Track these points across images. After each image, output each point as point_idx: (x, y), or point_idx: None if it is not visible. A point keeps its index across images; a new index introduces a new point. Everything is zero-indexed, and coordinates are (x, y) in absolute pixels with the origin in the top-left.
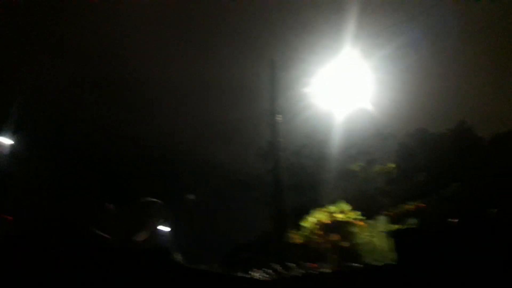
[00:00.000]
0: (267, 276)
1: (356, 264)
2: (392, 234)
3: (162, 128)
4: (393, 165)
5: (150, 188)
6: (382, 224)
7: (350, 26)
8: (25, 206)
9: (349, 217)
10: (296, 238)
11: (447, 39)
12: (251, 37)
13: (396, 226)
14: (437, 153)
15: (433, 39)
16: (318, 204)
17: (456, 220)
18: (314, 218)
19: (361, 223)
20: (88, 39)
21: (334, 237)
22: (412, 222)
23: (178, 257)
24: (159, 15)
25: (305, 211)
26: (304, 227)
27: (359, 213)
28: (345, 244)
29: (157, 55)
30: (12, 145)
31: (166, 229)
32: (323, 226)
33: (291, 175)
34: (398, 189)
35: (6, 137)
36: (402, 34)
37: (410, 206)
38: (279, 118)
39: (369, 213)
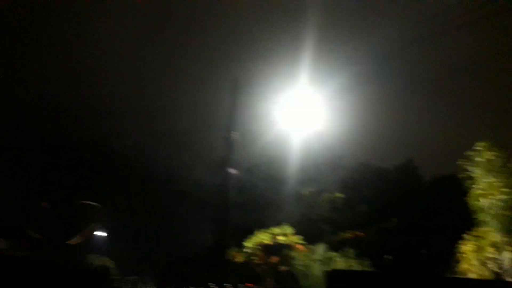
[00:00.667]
0: None
1: None
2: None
3: (114, 129)
4: (341, 195)
5: (91, 191)
6: (321, 250)
7: (307, 55)
8: None
9: (290, 240)
10: (236, 256)
11: (401, 79)
12: (216, 57)
13: (333, 254)
14: (380, 187)
15: (392, 75)
16: (263, 224)
17: (390, 258)
18: (257, 239)
19: (302, 247)
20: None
21: (274, 259)
22: (349, 252)
23: (111, 264)
24: (130, 27)
25: (249, 231)
26: (246, 247)
27: (301, 237)
28: (283, 267)
29: (120, 55)
30: None
31: (103, 234)
32: (264, 247)
33: (240, 192)
34: (340, 218)
35: None
36: (356, 66)
37: (348, 234)
38: (235, 134)
39: (311, 238)
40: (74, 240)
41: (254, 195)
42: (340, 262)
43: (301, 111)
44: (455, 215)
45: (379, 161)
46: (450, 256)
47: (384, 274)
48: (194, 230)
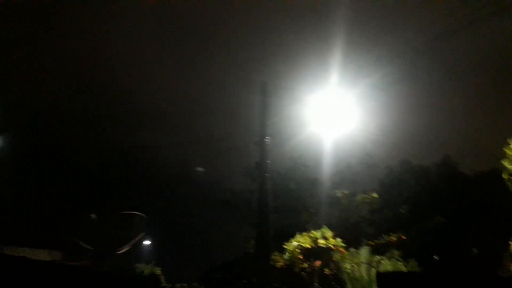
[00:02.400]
0: None
1: None
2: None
3: (150, 141)
4: (376, 196)
5: (134, 201)
6: (364, 254)
7: (337, 55)
8: (6, 211)
9: (331, 244)
10: (278, 261)
11: (435, 74)
12: (243, 61)
13: (378, 257)
14: (420, 186)
15: (420, 73)
16: (301, 228)
17: (437, 258)
18: (296, 242)
19: (343, 250)
20: (82, 45)
21: (317, 263)
22: (394, 254)
23: (158, 272)
24: (155, 33)
25: (288, 234)
26: (287, 250)
27: (340, 240)
28: (328, 271)
29: (150, 69)
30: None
31: (148, 242)
32: (305, 251)
33: (276, 197)
34: (380, 219)
35: None
36: (388, 64)
37: (392, 237)
38: (268, 140)
39: (351, 241)
40: (122, 250)
41: (290, 198)
42: (386, 265)
43: (333, 112)
44: (504, 211)
45: (415, 159)
46: (502, 254)
47: (436, 274)
48: (236, 236)
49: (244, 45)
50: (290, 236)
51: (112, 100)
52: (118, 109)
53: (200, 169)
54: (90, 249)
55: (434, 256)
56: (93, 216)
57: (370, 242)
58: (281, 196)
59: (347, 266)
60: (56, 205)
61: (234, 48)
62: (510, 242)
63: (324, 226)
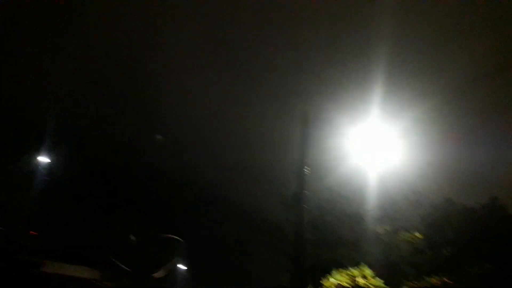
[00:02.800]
0: None
1: None
2: None
3: (191, 165)
4: (420, 235)
5: (172, 225)
6: None
7: (379, 87)
8: (53, 224)
9: (371, 284)
10: None
11: (483, 112)
12: (284, 93)
13: None
14: (466, 227)
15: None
16: (338, 264)
17: None
18: (335, 280)
19: None
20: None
21: None
22: None
23: None
24: (199, 60)
25: (323, 269)
26: (324, 287)
27: (381, 281)
28: None
29: (193, 95)
30: (49, 164)
31: (183, 267)
32: None
33: (313, 229)
34: (423, 261)
35: (42, 155)
36: (433, 97)
37: (435, 280)
38: (307, 170)
39: (390, 282)
40: (158, 273)
41: (327, 232)
42: None
43: (375, 145)
44: None
45: (459, 198)
46: None
47: None
48: (270, 266)
49: (285, 75)
50: (326, 271)
51: (156, 124)
52: (161, 134)
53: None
54: (127, 270)
55: None
56: (132, 237)
57: (411, 284)
58: (319, 229)
59: None
60: (99, 224)
61: (275, 77)
62: None
63: (362, 263)
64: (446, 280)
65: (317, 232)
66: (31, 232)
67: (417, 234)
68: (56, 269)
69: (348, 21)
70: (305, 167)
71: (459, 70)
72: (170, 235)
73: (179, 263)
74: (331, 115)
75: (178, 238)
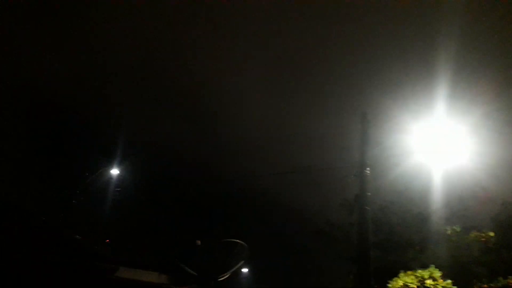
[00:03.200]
0: None
1: None
2: None
3: (249, 169)
4: (491, 234)
5: (233, 228)
6: None
7: (443, 83)
8: (123, 232)
9: (440, 286)
10: None
11: None
12: (343, 90)
13: None
14: None
15: None
16: (405, 266)
17: None
18: (402, 282)
19: None
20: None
21: None
22: None
23: None
24: (254, 60)
25: (389, 272)
26: None
27: (450, 282)
28: None
29: (250, 97)
30: (119, 175)
31: (246, 270)
32: None
33: (377, 231)
34: (496, 260)
35: (114, 167)
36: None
37: (509, 280)
38: (368, 171)
39: (461, 283)
40: (224, 277)
41: (393, 234)
42: None
43: (441, 142)
44: None
45: None
46: None
47: None
48: (332, 270)
49: (345, 72)
50: (393, 274)
51: (213, 129)
52: (221, 139)
53: (198, 242)
54: (194, 274)
55: None
56: (198, 242)
57: (483, 286)
58: (383, 231)
59: None
60: (166, 231)
61: (335, 76)
62: None
63: (431, 265)
64: None
65: (382, 234)
66: (106, 240)
67: (490, 233)
68: (129, 274)
69: (410, 14)
70: (366, 168)
71: None
72: (234, 240)
73: (243, 266)
74: (394, 111)
75: (242, 242)
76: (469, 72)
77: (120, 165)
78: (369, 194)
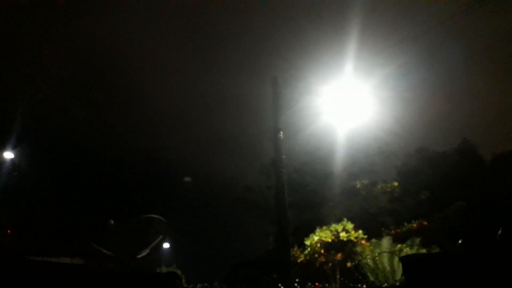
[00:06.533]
0: None
1: (359, 285)
2: (401, 260)
3: (163, 141)
4: (396, 184)
5: (150, 203)
6: (386, 243)
7: (352, 45)
8: (25, 220)
9: (352, 236)
10: (300, 256)
11: (450, 60)
12: (254, 55)
13: (399, 246)
14: (440, 172)
15: (435, 60)
16: (321, 222)
17: (461, 242)
18: (317, 237)
19: (364, 242)
20: (90, 42)
21: (338, 256)
22: (415, 241)
23: (179, 273)
24: (166, 30)
25: (307, 229)
26: (307, 245)
27: (361, 232)
28: (349, 263)
29: (161, 69)
30: (12, 159)
31: (166, 245)
32: (325, 245)
33: (293, 192)
34: (401, 208)
35: (7, 151)
36: (404, 54)
37: (413, 224)
38: (281, 135)
39: (372, 232)
40: (143, 253)
41: (308, 193)
42: (408, 253)
43: (347, 102)
44: None
45: (433, 146)
46: None
47: (462, 255)
48: (254, 234)
49: (256, 36)
50: (311, 231)
51: (127, 101)
52: (133, 110)
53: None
54: (110, 255)
55: (459, 241)
56: (112, 222)
57: (391, 232)
58: (299, 191)
59: (369, 257)
60: (75, 213)
61: (247, 41)
62: None
63: (344, 218)
64: (425, 223)
65: (298, 194)
66: (8, 231)
67: (394, 183)
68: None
69: None
70: (279, 131)
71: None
72: (150, 215)
73: (163, 241)
74: (304, 73)
75: (159, 217)
76: (375, 33)
77: (15, 147)
78: (284, 157)
